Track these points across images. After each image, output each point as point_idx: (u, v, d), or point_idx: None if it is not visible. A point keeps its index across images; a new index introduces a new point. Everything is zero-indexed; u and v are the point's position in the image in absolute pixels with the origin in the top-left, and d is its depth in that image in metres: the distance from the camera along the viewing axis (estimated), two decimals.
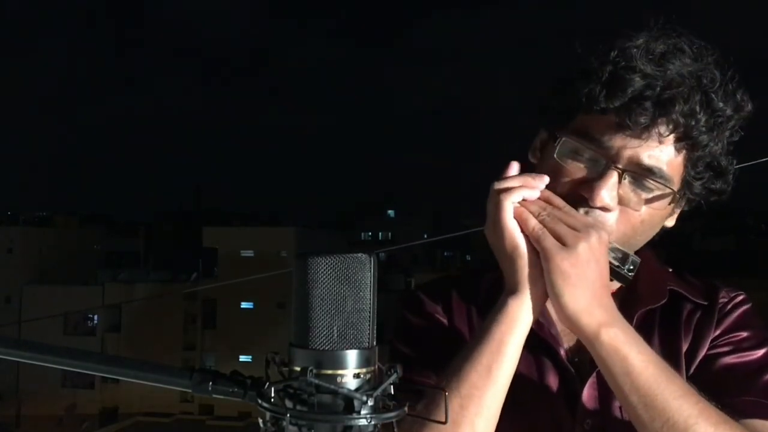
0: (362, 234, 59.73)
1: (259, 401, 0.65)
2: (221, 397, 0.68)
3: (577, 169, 1.08)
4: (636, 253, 1.10)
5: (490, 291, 1.17)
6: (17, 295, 41.85)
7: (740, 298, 1.19)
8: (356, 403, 0.63)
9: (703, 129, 1.04)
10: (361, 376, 0.64)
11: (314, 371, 0.63)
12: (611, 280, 1.04)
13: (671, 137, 1.04)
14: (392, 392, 0.65)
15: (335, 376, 0.64)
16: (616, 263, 1.05)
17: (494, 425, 1.01)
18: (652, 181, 1.06)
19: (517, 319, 1.02)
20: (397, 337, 1.23)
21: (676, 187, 1.08)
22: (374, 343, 0.66)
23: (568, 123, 1.10)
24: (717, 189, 1.12)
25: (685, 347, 1.15)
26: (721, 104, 1.05)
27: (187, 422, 36.48)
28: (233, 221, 51.50)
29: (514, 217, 1.01)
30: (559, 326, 1.15)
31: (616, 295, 1.06)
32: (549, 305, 1.08)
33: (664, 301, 1.17)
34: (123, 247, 55.83)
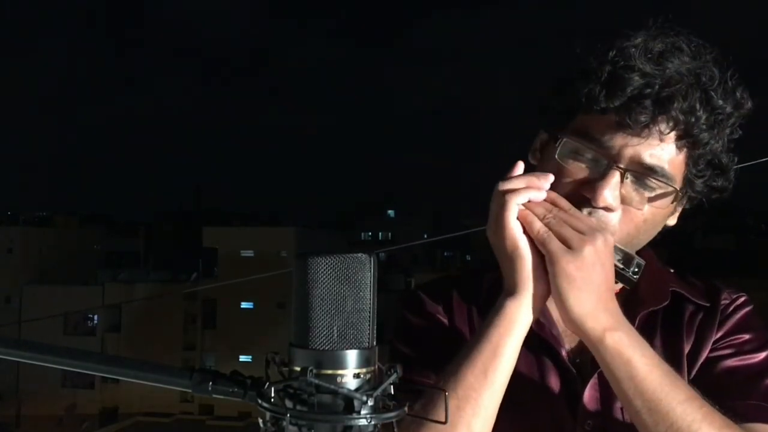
0: (362, 234, 59.71)
1: (259, 401, 0.65)
2: (221, 397, 0.68)
3: (578, 170, 1.08)
4: (637, 253, 1.09)
5: (490, 291, 1.16)
6: (17, 295, 41.83)
7: (742, 299, 1.19)
8: (356, 403, 0.62)
9: (704, 126, 1.04)
10: (361, 376, 0.64)
11: (314, 371, 0.63)
12: (615, 282, 1.04)
13: (672, 135, 1.04)
14: (392, 392, 0.65)
15: (335, 376, 0.64)
16: (621, 266, 1.05)
17: (491, 426, 1.01)
18: (654, 180, 1.06)
19: (515, 321, 1.01)
20: (397, 337, 1.23)
21: (678, 185, 1.08)
22: (374, 343, 0.66)
23: (568, 123, 1.10)
24: (718, 186, 1.12)
25: (687, 349, 1.15)
26: (720, 101, 1.04)
27: (187, 422, 36.44)
28: (233, 221, 51.52)
29: (519, 219, 1.01)
30: (560, 327, 1.15)
31: (619, 297, 1.06)
32: (550, 305, 1.08)
33: (666, 303, 1.16)
34: (123, 247, 55.86)
